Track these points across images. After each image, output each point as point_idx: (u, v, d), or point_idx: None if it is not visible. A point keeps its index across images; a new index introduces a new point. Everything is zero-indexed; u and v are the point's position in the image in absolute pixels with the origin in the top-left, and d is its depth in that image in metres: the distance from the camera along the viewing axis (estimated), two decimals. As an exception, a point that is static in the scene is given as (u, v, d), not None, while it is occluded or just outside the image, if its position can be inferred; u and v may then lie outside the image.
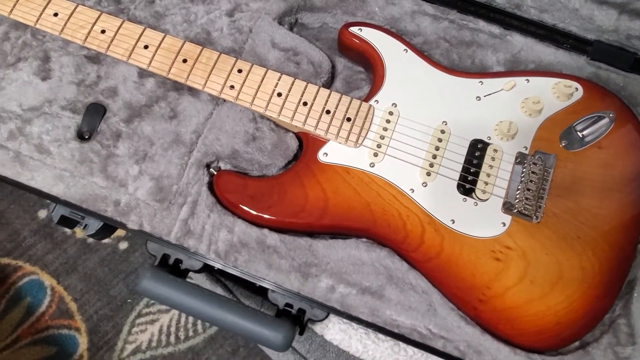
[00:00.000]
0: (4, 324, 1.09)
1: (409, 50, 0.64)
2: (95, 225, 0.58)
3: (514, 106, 0.61)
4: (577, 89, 0.62)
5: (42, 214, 1.17)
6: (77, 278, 1.13)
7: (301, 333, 0.55)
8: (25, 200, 1.18)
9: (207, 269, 0.58)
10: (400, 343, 0.61)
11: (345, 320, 0.61)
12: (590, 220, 0.57)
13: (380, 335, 0.61)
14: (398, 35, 0.65)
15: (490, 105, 0.62)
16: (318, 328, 0.62)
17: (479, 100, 0.62)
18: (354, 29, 0.65)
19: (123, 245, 1.14)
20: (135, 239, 1.04)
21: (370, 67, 0.65)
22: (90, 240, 1.12)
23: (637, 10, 0.61)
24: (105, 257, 1.14)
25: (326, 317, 0.55)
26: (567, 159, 0.59)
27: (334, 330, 0.62)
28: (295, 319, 0.55)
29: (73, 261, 1.14)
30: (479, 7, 0.67)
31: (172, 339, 1.10)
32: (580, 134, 0.60)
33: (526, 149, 0.60)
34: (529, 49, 0.67)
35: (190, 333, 1.12)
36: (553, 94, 0.62)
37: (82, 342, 1.09)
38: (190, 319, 1.13)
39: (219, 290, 0.66)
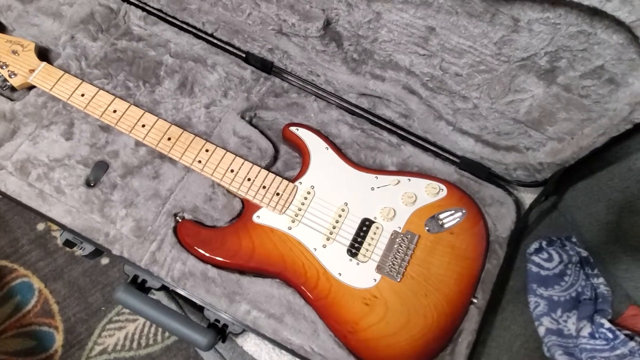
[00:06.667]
0: (-4, 317, 1.29)
1: (329, 148, 0.90)
2: (89, 248, 0.82)
3: (396, 197, 0.87)
4: (442, 189, 0.88)
5: (40, 226, 1.39)
6: (62, 284, 1.34)
7: (223, 341, 0.79)
8: (27, 214, 1.40)
9: (164, 289, 0.82)
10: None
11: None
12: (436, 284, 0.81)
13: (283, 351, 0.85)
14: (324, 136, 0.91)
15: (380, 194, 0.87)
16: (240, 340, 0.85)
17: (372, 190, 0.87)
18: (293, 128, 0.91)
19: (104, 261, 1.36)
20: (115, 257, 1.27)
21: (301, 156, 0.90)
22: (78, 252, 1.34)
23: (487, 141, 0.88)
24: (88, 269, 1.35)
25: (242, 332, 0.79)
26: (428, 239, 0.84)
27: (250, 343, 0.85)
28: (220, 330, 0.78)
29: (60, 269, 1.35)
30: (384, 122, 0.94)
31: (135, 345, 1.31)
32: (439, 222, 0.85)
33: (400, 228, 0.85)
34: (416, 156, 0.93)
35: (151, 342, 1.32)
36: (425, 191, 0.87)
37: (59, 339, 1.29)
38: (152, 329, 1.34)
39: (172, 306, 0.89)
